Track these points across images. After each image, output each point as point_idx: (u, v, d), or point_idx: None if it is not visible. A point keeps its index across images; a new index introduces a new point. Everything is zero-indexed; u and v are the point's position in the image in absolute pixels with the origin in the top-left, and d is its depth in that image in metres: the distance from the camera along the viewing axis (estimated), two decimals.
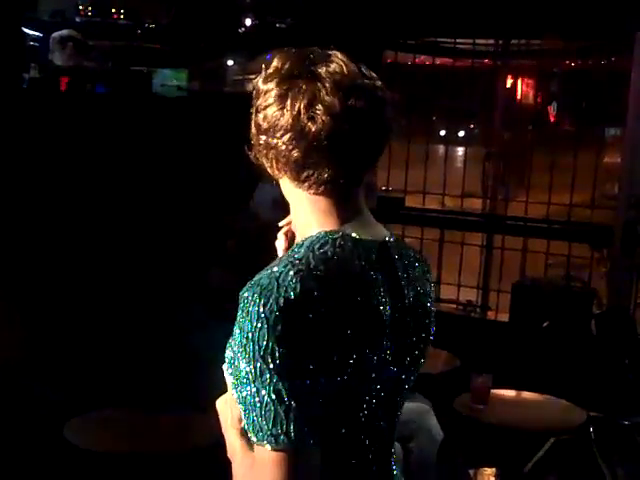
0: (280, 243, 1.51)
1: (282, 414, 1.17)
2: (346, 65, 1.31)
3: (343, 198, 1.34)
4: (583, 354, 4.66)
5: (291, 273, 1.21)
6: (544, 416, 3.88)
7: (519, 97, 7.75)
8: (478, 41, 6.45)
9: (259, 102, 1.33)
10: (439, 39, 6.56)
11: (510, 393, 4.06)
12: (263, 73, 1.34)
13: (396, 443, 2.39)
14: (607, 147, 7.71)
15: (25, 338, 3.76)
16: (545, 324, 5.02)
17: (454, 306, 6.22)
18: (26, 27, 5.13)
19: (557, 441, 4.00)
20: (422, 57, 6.84)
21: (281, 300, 1.19)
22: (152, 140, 4.69)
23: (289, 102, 1.28)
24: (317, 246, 1.28)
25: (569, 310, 5.20)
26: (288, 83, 1.29)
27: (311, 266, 1.24)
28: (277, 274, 1.22)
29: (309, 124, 1.26)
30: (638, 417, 4.09)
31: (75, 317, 4.13)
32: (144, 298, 4.36)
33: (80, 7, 5.59)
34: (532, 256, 6.31)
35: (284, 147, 1.29)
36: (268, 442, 1.18)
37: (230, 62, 5.92)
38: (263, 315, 1.18)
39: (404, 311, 1.36)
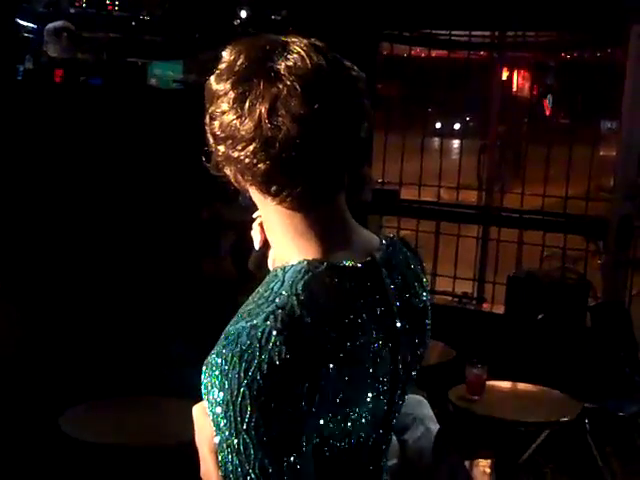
0: (256, 234, 1.36)
1: None
2: (308, 56, 1.11)
3: (322, 212, 1.16)
4: (578, 346, 4.67)
5: (274, 333, 1.05)
6: (539, 407, 3.89)
7: (515, 89, 7.76)
8: (474, 33, 6.45)
9: (213, 108, 1.15)
10: (435, 31, 6.56)
11: (505, 384, 4.07)
12: (216, 70, 1.16)
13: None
14: (603, 140, 7.73)
15: (22, 330, 3.76)
16: (540, 316, 5.03)
17: (450, 298, 6.22)
18: (20, 18, 5.10)
19: (552, 432, 4.01)
20: (418, 49, 6.84)
21: (264, 366, 1.04)
22: (147, 132, 4.68)
23: (247, 107, 1.09)
24: (300, 286, 1.10)
25: (564, 302, 5.21)
26: (244, 84, 1.10)
27: (296, 316, 1.07)
28: (259, 333, 1.05)
29: (273, 132, 1.08)
30: (632, 408, 4.10)
31: (72, 309, 4.13)
32: (140, 288, 4.35)
33: None
34: (528, 248, 6.32)
35: (247, 160, 1.11)
36: None
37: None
38: (245, 383, 1.04)
39: (396, 341, 1.22)
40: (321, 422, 1.09)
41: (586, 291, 5.40)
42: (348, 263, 1.17)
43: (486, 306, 6.26)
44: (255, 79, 1.10)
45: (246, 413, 1.04)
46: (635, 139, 5.26)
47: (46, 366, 3.82)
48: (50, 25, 4.86)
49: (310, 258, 1.15)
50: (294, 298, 1.09)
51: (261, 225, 1.33)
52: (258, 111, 1.09)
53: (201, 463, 1.17)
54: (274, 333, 1.05)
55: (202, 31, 6.03)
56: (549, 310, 5.07)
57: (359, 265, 1.18)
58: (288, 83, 1.09)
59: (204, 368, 1.11)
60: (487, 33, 6.63)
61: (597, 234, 5.69)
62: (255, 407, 1.04)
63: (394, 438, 2.84)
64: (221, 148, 1.15)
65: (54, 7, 5.44)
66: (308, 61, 1.11)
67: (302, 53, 1.11)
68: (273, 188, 1.13)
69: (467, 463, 4.11)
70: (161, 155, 4.72)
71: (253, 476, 1.04)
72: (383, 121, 6.07)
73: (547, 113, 9.11)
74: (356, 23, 5.64)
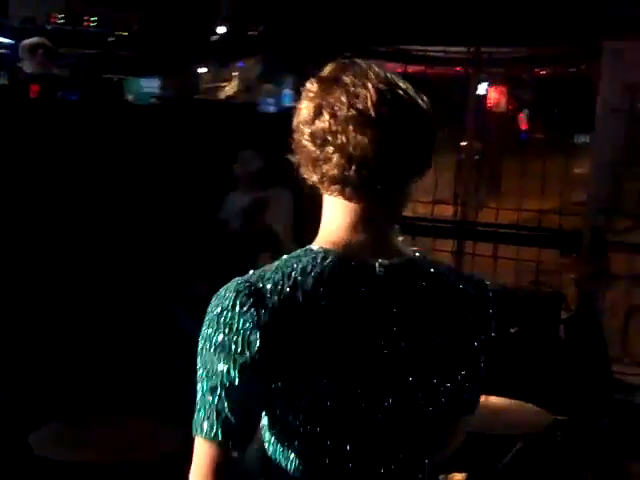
0: None
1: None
2: (386, 78, 1.29)
3: (359, 212, 1.31)
4: (552, 358, 4.70)
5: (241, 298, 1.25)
6: (512, 420, 3.90)
7: (491, 104, 7.83)
8: (450, 49, 6.52)
9: (299, 102, 1.33)
10: (411, 47, 6.62)
11: None
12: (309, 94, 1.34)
13: None
14: (577, 154, 7.80)
15: None
16: (514, 329, 5.06)
17: None
18: None
19: (525, 445, 4.03)
20: (394, 65, 6.89)
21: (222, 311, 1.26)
22: (124, 147, 4.68)
23: (323, 107, 1.28)
24: (308, 270, 1.27)
25: (538, 315, 5.25)
26: (326, 88, 1.29)
27: (285, 290, 1.25)
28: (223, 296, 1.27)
29: (355, 152, 1.25)
30: (605, 420, 4.14)
31: (43, 326, 4.11)
32: (117, 306, 4.35)
33: (51, 14, 5.58)
34: (502, 262, 6.37)
35: (324, 165, 1.29)
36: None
37: (202, 69, 5.93)
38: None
39: (390, 356, 1.30)
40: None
41: (559, 304, 5.44)
42: (353, 258, 1.30)
43: None
44: (335, 86, 1.29)
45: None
46: (607, 154, 5.33)
47: (16, 383, 3.80)
48: (26, 41, 4.87)
49: (329, 246, 1.30)
50: (294, 274, 1.26)
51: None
52: (329, 112, 1.27)
53: None
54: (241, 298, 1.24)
55: (179, 47, 6.07)
56: (523, 323, 5.10)
57: (363, 266, 1.30)
58: (366, 91, 1.27)
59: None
60: (463, 49, 6.69)
61: (571, 247, 5.75)
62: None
63: None
64: (295, 135, 1.33)
65: (30, 23, 5.46)
66: (383, 83, 1.28)
67: (380, 73, 1.30)
68: (326, 185, 1.31)
69: (441, 477, 4.13)
70: (138, 170, 4.72)
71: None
72: None
73: (523, 127, 9.19)
74: (332, 38, 5.68)
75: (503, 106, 8.01)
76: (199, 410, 1.25)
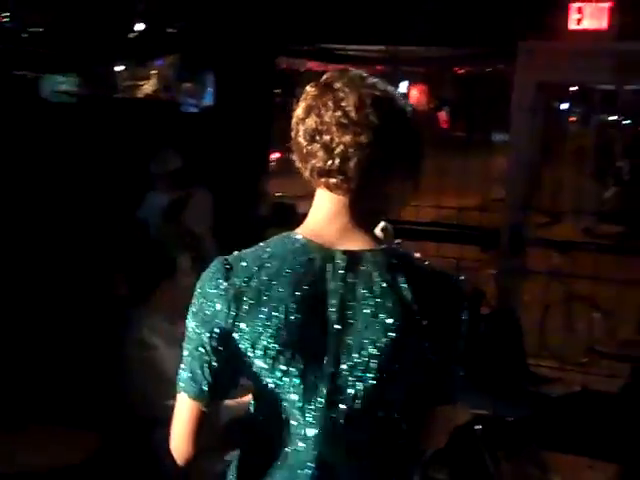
0: None
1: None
2: (372, 85, 1.46)
3: (338, 204, 1.46)
4: (471, 353, 4.77)
5: (218, 261, 1.46)
6: None
7: (411, 103, 7.91)
8: (370, 47, 6.56)
9: (297, 104, 1.49)
10: (332, 45, 6.64)
11: None
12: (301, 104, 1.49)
13: None
14: (497, 152, 7.95)
15: None
16: None
17: None
18: None
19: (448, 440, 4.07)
20: (316, 63, 6.90)
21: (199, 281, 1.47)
22: (40, 147, 4.58)
23: (312, 108, 1.45)
24: (280, 254, 1.43)
25: None
26: (321, 92, 1.46)
27: (247, 264, 1.43)
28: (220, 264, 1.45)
29: (324, 134, 1.42)
30: (521, 413, 4.22)
31: None
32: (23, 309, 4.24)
33: None
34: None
35: (301, 140, 1.45)
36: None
37: (120, 67, 5.82)
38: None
39: (325, 337, 1.41)
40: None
41: (480, 300, 5.52)
42: (313, 240, 1.44)
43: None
44: (329, 92, 1.45)
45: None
46: (523, 152, 5.43)
47: None
48: None
49: (306, 233, 1.46)
50: (264, 256, 1.44)
51: None
52: (317, 112, 1.44)
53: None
54: (218, 261, 1.46)
55: (96, 44, 5.95)
56: None
57: (327, 254, 1.43)
58: (350, 97, 1.43)
59: None
60: (382, 47, 6.74)
61: (490, 244, 5.84)
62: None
63: None
64: (292, 134, 1.48)
65: None
66: (377, 87, 1.46)
67: (376, 82, 1.48)
68: (315, 177, 1.47)
69: None
70: (53, 168, 4.62)
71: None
72: (283, 135, 6.09)
73: (443, 125, 9.31)
74: (253, 37, 5.65)
75: (424, 104, 8.12)
76: (181, 369, 1.45)
